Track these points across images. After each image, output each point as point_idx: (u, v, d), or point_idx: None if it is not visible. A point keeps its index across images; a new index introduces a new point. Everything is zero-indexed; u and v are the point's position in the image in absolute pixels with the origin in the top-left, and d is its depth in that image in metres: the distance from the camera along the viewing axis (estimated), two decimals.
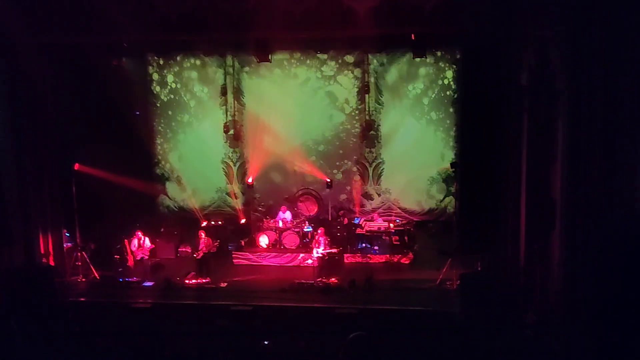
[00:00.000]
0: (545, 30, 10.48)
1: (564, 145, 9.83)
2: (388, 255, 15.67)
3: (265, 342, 10.28)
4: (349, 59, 16.96)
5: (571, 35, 9.34)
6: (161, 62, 17.29)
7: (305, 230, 16.04)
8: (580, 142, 9.14)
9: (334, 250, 14.83)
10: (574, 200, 9.38)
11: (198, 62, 17.35)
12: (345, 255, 15.66)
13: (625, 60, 8.29)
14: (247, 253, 15.85)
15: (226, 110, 17.51)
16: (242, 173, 17.77)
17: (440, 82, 16.75)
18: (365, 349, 4.03)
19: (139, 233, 14.49)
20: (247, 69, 17.20)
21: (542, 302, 10.77)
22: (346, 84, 17.20)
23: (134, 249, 14.39)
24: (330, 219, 17.03)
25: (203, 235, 14.44)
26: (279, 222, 16.32)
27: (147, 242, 14.55)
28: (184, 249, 16.24)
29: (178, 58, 17.22)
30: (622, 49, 8.30)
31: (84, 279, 14.33)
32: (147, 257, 14.53)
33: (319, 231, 14.95)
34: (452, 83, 16.44)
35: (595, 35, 8.71)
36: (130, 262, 14.42)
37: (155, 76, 17.55)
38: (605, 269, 7.44)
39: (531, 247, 11.34)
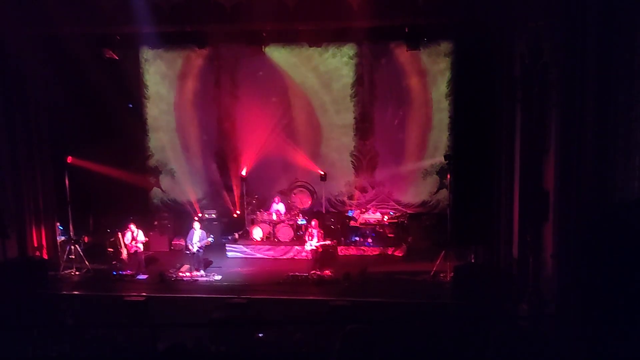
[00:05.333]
0: (537, 21, 10.47)
1: (556, 137, 9.85)
2: (382, 248, 15.72)
3: (260, 335, 10.28)
4: (343, 50, 16.88)
5: (564, 26, 9.34)
6: (154, 54, 17.16)
7: (299, 222, 16.03)
8: (573, 133, 9.16)
9: (328, 243, 14.85)
10: (567, 191, 9.40)
11: (191, 54, 17.21)
12: (339, 247, 15.69)
13: (618, 51, 8.30)
14: (240, 246, 15.86)
15: (220, 103, 17.44)
16: (236, 166, 17.69)
17: (433, 73, 16.69)
18: (362, 341, 4.02)
19: (133, 226, 14.43)
20: (240, 61, 17.09)
21: (535, 293, 10.80)
22: (340, 76, 17.12)
23: (127, 242, 14.33)
24: (324, 211, 17.03)
25: (196, 227, 14.40)
26: (272, 215, 16.32)
27: (141, 235, 14.49)
28: (177, 242, 16.24)
29: (170, 50, 17.08)
30: (614, 39, 8.31)
31: (77, 272, 14.33)
32: (140, 250, 14.49)
33: (312, 223, 14.95)
34: (445, 75, 16.40)
35: (587, 26, 8.71)
36: (124, 255, 14.39)
37: (148, 68, 17.43)
38: (597, 259, 7.47)
39: (524, 238, 11.37)
